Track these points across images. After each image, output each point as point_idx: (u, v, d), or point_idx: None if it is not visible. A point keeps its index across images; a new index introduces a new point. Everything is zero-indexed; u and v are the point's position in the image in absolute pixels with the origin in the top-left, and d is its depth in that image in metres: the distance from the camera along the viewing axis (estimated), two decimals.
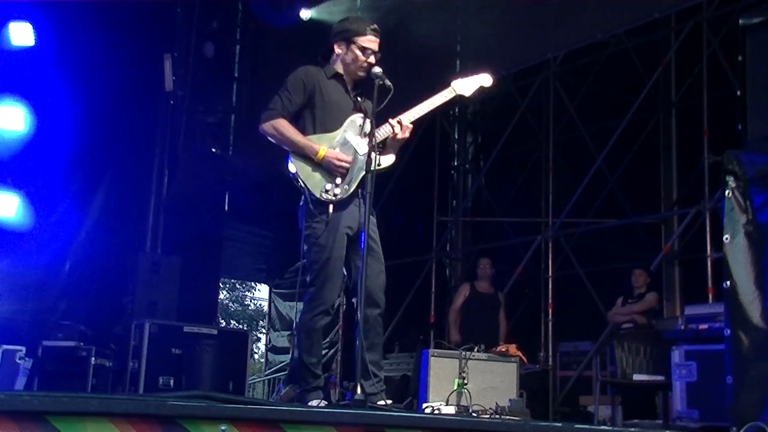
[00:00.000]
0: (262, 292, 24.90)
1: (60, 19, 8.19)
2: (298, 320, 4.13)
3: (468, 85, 4.18)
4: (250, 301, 28.76)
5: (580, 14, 7.98)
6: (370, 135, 3.78)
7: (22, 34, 7.84)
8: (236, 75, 10.55)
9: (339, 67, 4.14)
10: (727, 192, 3.76)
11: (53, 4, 8.16)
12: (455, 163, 11.74)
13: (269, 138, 4.05)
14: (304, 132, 4.04)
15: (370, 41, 4.08)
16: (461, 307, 8.17)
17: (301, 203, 4.03)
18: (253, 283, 25.52)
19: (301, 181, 3.96)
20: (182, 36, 9.72)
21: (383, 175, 4.09)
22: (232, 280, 24.07)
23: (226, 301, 27.55)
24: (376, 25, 4.15)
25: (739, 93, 7.63)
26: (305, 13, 9.83)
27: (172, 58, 9.21)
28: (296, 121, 4.09)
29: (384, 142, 4.02)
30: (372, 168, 3.70)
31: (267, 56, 10.60)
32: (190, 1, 9.76)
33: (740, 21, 6.87)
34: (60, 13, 8.19)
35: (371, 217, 4.06)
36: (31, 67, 8.06)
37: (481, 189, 11.05)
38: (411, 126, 4.02)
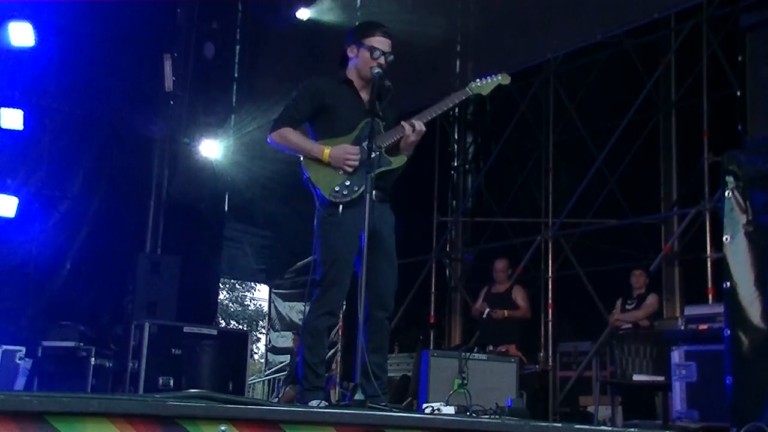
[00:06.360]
0: (262, 292, 24.94)
1: (60, 20, 8.20)
2: (303, 319, 4.13)
3: (486, 85, 4.18)
4: (250, 301, 28.81)
5: (580, 14, 8.00)
6: (370, 136, 3.78)
7: (22, 34, 7.84)
8: (236, 75, 10.55)
9: (351, 72, 4.14)
10: (727, 192, 3.75)
11: (53, 4, 8.16)
12: (455, 163, 11.75)
13: (278, 147, 4.10)
14: (318, 139, 4.06)
15: (380, 42, 4.05)
16: (481, 306, 8.27)
17: (316, 206, 4.03)
18: (253, 284, 25.54)
19: (311, 184, 3.98)
20: (182, 36, 9.72)
21: (399, 175, 4.12)
22: (232, 281, 24.08)
23: (226, 302, 27.58)
24: (386, 27, 4.14)
25: (739, 93, 7.65)
26: (304, 13, 9.83)
27: (172, 58, 9.21)
28: (309, 129, 4.12)
29: (397, 143, 4.01)
30: (372, 169, 3.70)
31: (267, 56, 10.61)
32: (190, 1, 9.76)
33: (740, 21, 6.89)
34: (60, 14, 8.19)
35: (389, 219, 4.09)
36: (31, 68, 8.06)
37: (481, 189, 11.06)
38: (424, 128, 4.00)
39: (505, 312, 7.90)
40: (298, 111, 4.10)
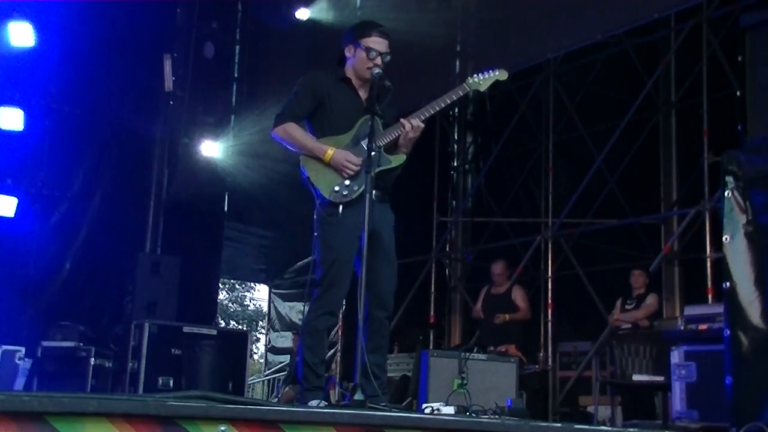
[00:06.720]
0: (261, 292, 24.93)
1: (60, 20, 8.21)
2: (303, 319, 4.13)
3: (483, 80, 4.17)
4: (250, 301, 28.81)
5: (580, 14, 7.99)
6: (370, 136, 3.77)
7: (22, 34, 7.84)
8: (236, 75, 10.56)
9: (348, 70, 4.13)
10: (726, 192, 3.75)
11: (54, 4, 8.17)
12: (455, 164, 11.74)
13: (281, 142, 4.09)
14: (315, 136, 4.05)
15: (376, 42, 4.04)
16: (480, 308, 8.27)
17: (316, 205, 4.02)
18: (252, 284, 25.55)
19: (311, 183, 3.97)
20: (182, 36, 9.73)
21: (399, 175, 4.11)
22: (232, 281, 24.09)
23: (226, 302, 27.59)
24: (383, 27, 4.13)
25: (739, 93, 7.65)
26: (304, 13, 9.82)
27: (172, 58, 9.22)
28: (307, 125, 4.11)
29: (396, 141, 4.01)
30: (371, 169, 3.70)
31: (267, 56, 10.61)
32: (190, 1, 9.77)
33: (740, 21, 6.89)
34: (60, 14, 8.20)
35: (389, 219, 4.08)
36: (31, 67, 8.06)
37: (481, 189, 11.05)
38: (422, 125, 4.01)
39: (506, 316, 7.89)
40: (300, 106, 4.08)
